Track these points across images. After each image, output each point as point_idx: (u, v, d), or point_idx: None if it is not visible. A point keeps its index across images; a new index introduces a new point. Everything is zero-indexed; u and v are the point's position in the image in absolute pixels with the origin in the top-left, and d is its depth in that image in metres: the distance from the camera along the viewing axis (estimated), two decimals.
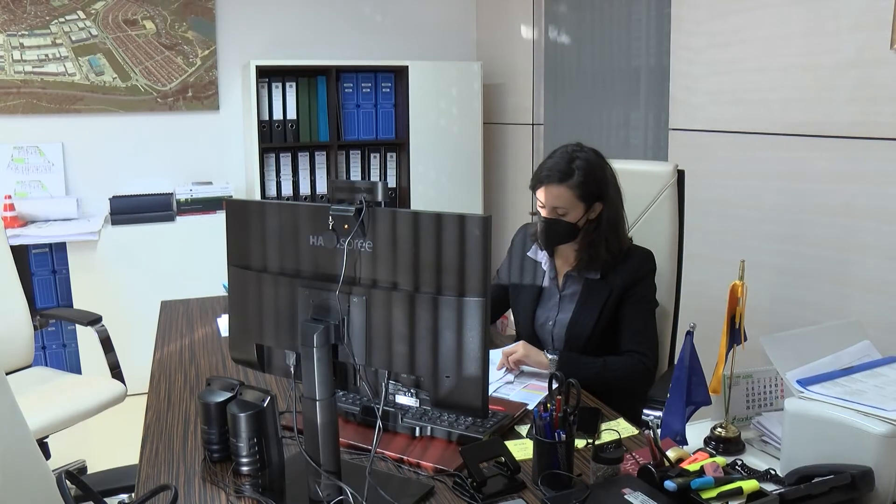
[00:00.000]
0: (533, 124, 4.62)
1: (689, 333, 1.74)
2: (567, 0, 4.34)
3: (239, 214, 1.62)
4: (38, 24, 4.37)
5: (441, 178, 4.70)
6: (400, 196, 4.76)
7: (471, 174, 4.77)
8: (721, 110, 3.14)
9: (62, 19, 4.41)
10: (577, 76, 4.30)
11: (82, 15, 4.44)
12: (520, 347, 2.20)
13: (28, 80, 4.40)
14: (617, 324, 2.26)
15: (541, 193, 2.25)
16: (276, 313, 1.56)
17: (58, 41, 4.42)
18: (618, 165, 2.35)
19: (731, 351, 1.76)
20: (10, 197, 4.27)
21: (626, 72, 3.89)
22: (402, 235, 1.41)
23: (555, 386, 1.66)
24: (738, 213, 3.06)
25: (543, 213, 2.25)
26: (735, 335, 1.76)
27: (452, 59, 5.02)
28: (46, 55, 4.41)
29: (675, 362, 1.81)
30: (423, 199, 4.65)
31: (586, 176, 2.20)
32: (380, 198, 1.44)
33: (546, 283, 2.39)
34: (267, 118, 4.46)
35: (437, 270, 1.38)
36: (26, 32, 4.36)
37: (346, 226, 1.44)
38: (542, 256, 2.39)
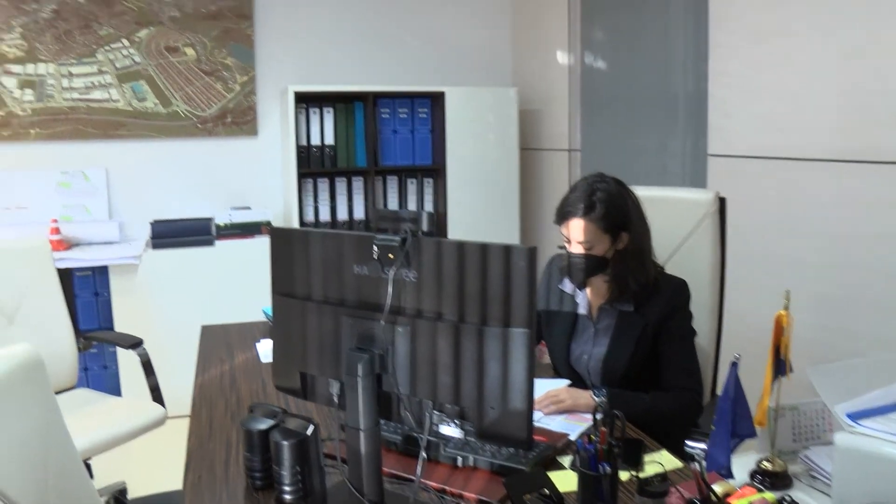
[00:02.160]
0: (570, 150, 4.61)
1: (734, 364, 1.72)
2: (603, 25, 4.34)
3: (283, 243, 1.63)
4: (86, 53, 4.48)
5: (478, 204, 4.70)
6: (437, 221, 4.77)
7: (507, 200, 4.77)
8: (762, 136, 3.11)
9: (108, 48, 4.51)
10: (614, 101, 4.29)
11: (127, 43, 4.53)
12: (566, 396, 2.14)
13: (75, 106, 4.50)
14: (658, 358, 2.23)
15: (565, 228, 2.24)
16: (320, 342, 1.56)
17: (103, 69, 4.51)
18: (656, 193, 2.33)
19: (777, 382, 1.73)
20: (56, 220, 4.35)
21: (662, 97, 3.88)
22: (447, 265, 1.40)
23: (598, 417, 1.64)
24: (781, 241, 3.02)
25: (570, 247, 2.24)
26: (780, 366, 1.73)
27: (489, 85, 5.04)
28: (93, 82, 4.50)
29: (720, 393, 1.78)
30: (459, 224, 4.65)
31: (609, 207, 2.17)
32: (424, 227, 1.44)
33: (579, 315, 2.36)
34: (305, 143, 4.50)
35: (482, 301, 1.38)
36: (75, 61, 4.47)
37: (390, 255, 1.44)
38: (574, 289, 2.36)
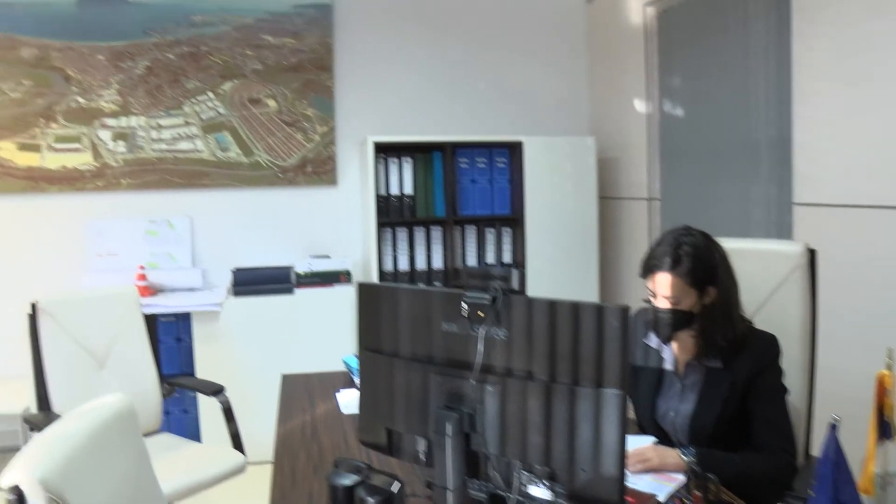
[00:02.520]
0: (649, 199, 4.56)
1: (833, 427, 1.65)
2: (681, 72, 4.31)
3: (371, 298, 1.64)
4: (174, 106, 4.66)
5: (557, 254, 4.68)
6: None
7: (586, 249, 4.73)
8: (852, 183, 3.01)
9: (194, 100, 4.68)
10: (693, 149, 4.24)
11: (212, 95, 4.69)
12: (653, 454, 2.08)
13: (162, 157, 4.66)
14: (748, 415, 2.15)
15: (651, 282, 2.20)
16: (407, 399, 1.56)
17: (189, 121, 4.67)
18: (742, 245, 2.28)
19: (882, 446, 1.65)
20: (143, 267, 4.50)
21: (744, 144, 3.81)
22: (538, 324, 1.39)
23: (691, 478, 1.59)
24: (875, 294, 2.91)
25: (655, 301, 2.19)
26: (885, 429, 1.65)
27: (566, 134, 5.04)
28: (179, 134, 4.67)
29: (816, 455, 1.71)
30: (538, 274, 4.62)
31: (696, 262, 2.13)
32: (515, 286, 1.43)
33: (665, 371, 2.31)
34: (384, 193, 4.56)
35: (573, 361, 1.36)
36: (163, 113, 4.65)
37: (480, 313, 1.43)
38: (659, 343, 2.31)
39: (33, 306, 3.30)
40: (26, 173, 4.60)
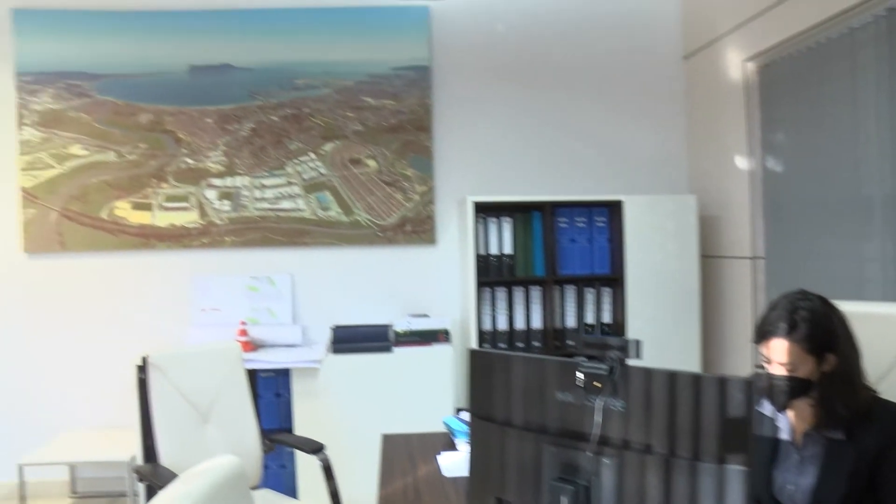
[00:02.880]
0: (753, 258, 4.45)
1: None
2: (785, 127, 4.22)
3: (483, 365, 1.64)
4: (277, 166, 4.82)
5: (657, 314, 4.59)
6: (616, 332, 4.68)
7: (688, 309, 4.63)
8: None
9: (296, 161, 4.83)
10: (799, 205, 4.12)
11: (314, 156, 4.84)
12: None
13: (265, 215, 4.81)
14: (877, 491, 2.05)
15: (765, 347, 2.12)
16: (519, 468, 1.54)
17: (291, 180, 4.82)
18: (859, 308, 2.18)
19: None
20: (244, 323, 4.62)
21: (855, 199, 3.68)
22: (657, 396, 1.36)
23: None
24: None
25: (770, 367, 2.12)
26: None
27: (666, 192, 4.99)
28: (282, 193, 4.82)
29: None
30: (638, 334, 4.48)
31: (813, 327, 2.05)
32: (633, 356, 1.41)
33: (781, 441, 2.22)
34: (484, 252, 4.59)
35: (694, 435, 1.32)
36: (267, 173, 4.82)
37: (597, 384, 1.41)
38: (774, 412, 2.22)
39: (144, 360, 3.42)
40: (139, 231, 4.82)
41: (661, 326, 4.59)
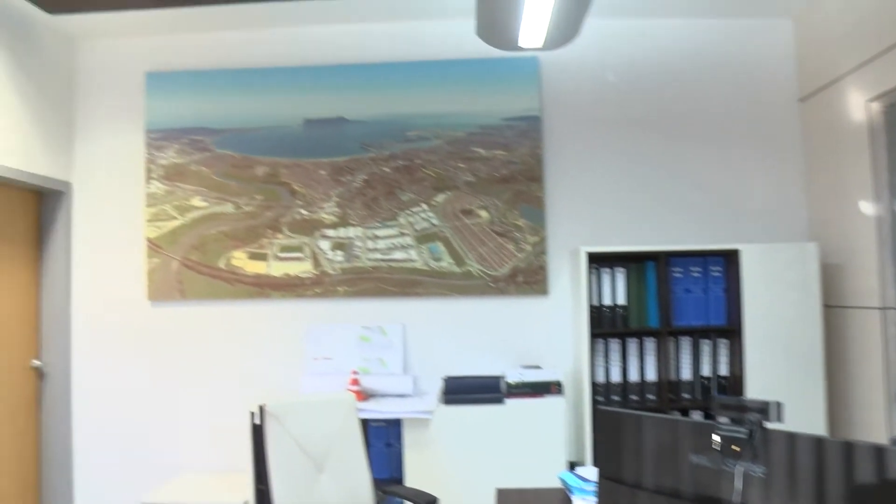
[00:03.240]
0: (883, 308, 4.28)
1: None
2: None
3: (611, 425, 1.63)
4: (389, 217, 4.92)
5: (778, 366, 4.46)
6: (733, 386, 4.57)
7: (811, 362, 4.48)
8: None
9: (409, 211, 4.92)
10: None
11: (425, 207, 4.91)
12: None
13: (377, 266, 4.91)
14: None
15: None
16: None
17: (404, 231, 4.90)
18: None
19: None
20: (356, 372, 4.70)
21: None
22: (802, 462, 1.32)
23: None
24: None
25: None
26: None
27: (785, 240, 4.86)
28: (394, 244, 4.90)
29: None
30: (757, 389, 4.41)
31: None
32: (773, 419, 1.37)
33: None
34: (596, 303, 4.56)
35: None
36: (379, 224, 4.91)
37: (735, 447, 1.38)
38: None
39: (261, 408, 3.51)
40: (254, 280, 4.97)
41: (781, 381, 4.45)
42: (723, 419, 1.44)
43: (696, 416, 4.59)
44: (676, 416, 4.52)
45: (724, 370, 4.59)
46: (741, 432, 1.38)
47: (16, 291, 4.80)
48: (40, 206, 5.08)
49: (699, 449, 1.45)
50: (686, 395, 4.58)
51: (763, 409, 1.39)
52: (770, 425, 1.43)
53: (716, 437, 1.41)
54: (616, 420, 1.64)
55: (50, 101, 4.94)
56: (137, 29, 5.09)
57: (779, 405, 1.38)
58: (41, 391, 5.00)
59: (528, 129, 4.93)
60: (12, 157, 4.53)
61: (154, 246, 5.04)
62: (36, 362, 4.95)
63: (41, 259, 5.06)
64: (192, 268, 5.03)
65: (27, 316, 4.92)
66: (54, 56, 5.02)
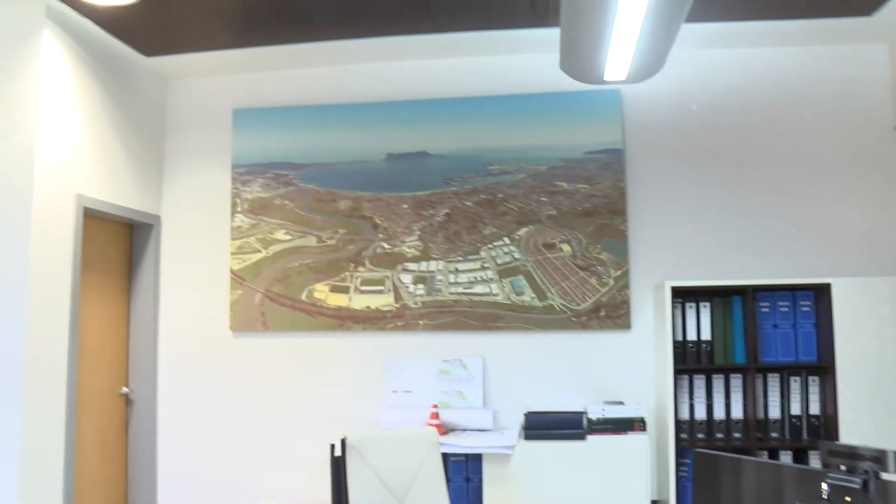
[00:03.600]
0: None
1: None
2: None
3: (709, 468, 1.60)
4: (471, 251, 4.96)
5: (874, 406, 4.31)
6: (825, 426, 4.44)
7: None
8: None
9: (490, 245, 4.95)
10: None
11: (507, 241, 4.93)
12: None
13: (459, 300, 4.94)
14: None
15: None
16: None
17: (486, 265, 4.93)
18: None
19: None
20: (436, 406, 4.71)
21: None
22: None
23: None
24: None
25: None
26: None
27: (879, 274, 4.72)
28: (475, 277, 4.93)
29: None
30: (852, 429, 4.27)
31: None
32: (891, 469, 1.33)
33: None
34: (681, 338, 4.50)
35: None
36: (461, 258, 4.96)
37: (847, 498, 1.34)
38: None
39: (343, 441, 3.55)
40: (335, 313, 5.05)
41: (878, 421, 4.30)
42: (832, 466, 1.40)
43: (786, 457, 4.47)
44: (764, 456, 4.42)
45: (815, 409, 4.46)
46: (854, 482, 1.33)
47: (108, 320, 4.98)
48: (131, 238, 5.27)
49: (805, 497, 1.40)
50: (774, 435, 4.47)
51: (879, 457, 1.33)
52: (887, 476, 1.38)
53: (825, 486, 1.37)
54: (715, 462, 1.60)
55: (143, 138, 5.15)
56: (225, 68, 5.29)
57: None
58: (129, 417, 5.16)
59: (611, 162, 4.92)
60: (107, 191, 4.73)
61: (237, 278, 5.17)
62: (125, 389, 5.11)
63: (131, 289, 5.25)
64: (274, 300, 5.13)
65: (118, 344, 5.09)
66: (148, 95, 5.24)
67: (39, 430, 4.09)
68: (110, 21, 4.47)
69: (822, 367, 4.45)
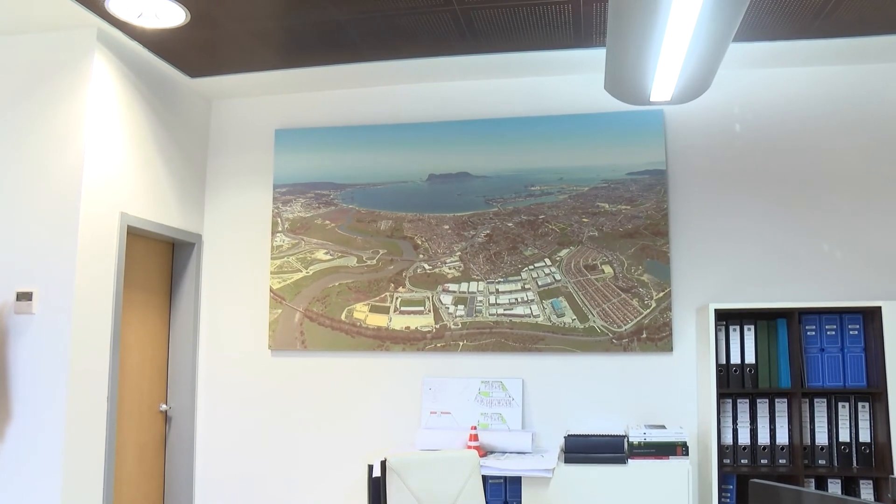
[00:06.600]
0: None
1: None
2: None
3: (765, 497, 1.61)
4: (512, 272, 5.11)
5: None
6: (876, 453, 4.48)
7: None
8: None
9: (531, 267, 5.09)
10: None
11: (549, 262, 5.08)
12: None
13: (499, 321, 5.08)
14: None
15: None
16: None
17: (526, 286, 5.07)
18: None
19: None
20: (475, 427, 4.83)
21: None
22: None
23: None
24: None
25: None
26: None
27: None
28: (516, 299, 5.07)
29: None
30: None
31: None
32: None
33: None
34: (724, 361, 4.59)
35: None
36: (501, 279, 5.11)
37: None
38: None
39: (383, 463, 3.68)
40: (375, 333, 5.22)
41: None
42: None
43: (834, 486, 4.52)
44: (811, 485, 4.44)
45: (865, 436, 4.51)
46: None
47: (149, 338, 5.20)
48: (173, 256, 5.51)
49: None
50: (822, 462, 4.52)
51: None
52: None
53: None
54: (771, 493, 1.62)
55: (186, 158, 5.40)
56: (268, 89, 5.53)
57: None
58: (167, 434, 5.37)
59: (654, 183, 5.05)
60: (151, 209, 4.97)
61: (277, 297, 5.37)
62: (164, 406, 5.33)
63: (172, 307, 5.48)
64: (313, 319, 5.32)
65: (158, 361, 5.32)
66: (192, 116, 5.50)
67: (81, 446, 4.31)
68: (157, 43, 4.72)
69: (873, 393, 4.50)
